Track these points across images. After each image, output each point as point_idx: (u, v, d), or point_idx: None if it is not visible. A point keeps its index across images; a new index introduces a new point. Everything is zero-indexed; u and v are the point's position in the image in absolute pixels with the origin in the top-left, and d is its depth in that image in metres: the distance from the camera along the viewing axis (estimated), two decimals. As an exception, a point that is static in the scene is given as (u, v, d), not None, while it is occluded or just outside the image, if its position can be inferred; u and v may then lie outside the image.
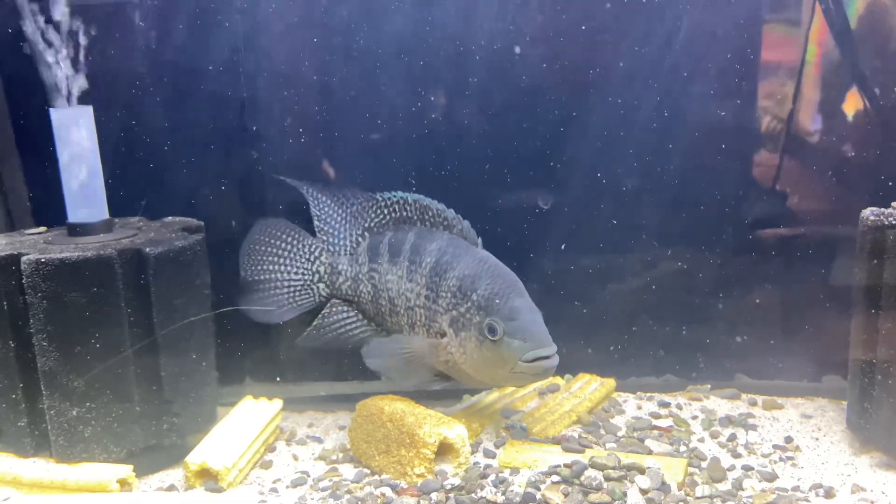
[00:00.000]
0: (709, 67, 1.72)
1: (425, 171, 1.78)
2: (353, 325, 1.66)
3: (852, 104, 1.75)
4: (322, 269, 1.65)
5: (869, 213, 1.48)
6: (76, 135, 1.52)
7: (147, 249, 1.47)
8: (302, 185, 1.66)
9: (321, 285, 1.65)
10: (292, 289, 1.66)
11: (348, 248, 1.64)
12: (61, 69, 1.50)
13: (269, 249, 1.66)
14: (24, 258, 1.41)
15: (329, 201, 1.65)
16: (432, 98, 1.76)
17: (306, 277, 1.65)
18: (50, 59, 1.49)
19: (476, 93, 1.76)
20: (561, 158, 1.78)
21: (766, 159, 1.79)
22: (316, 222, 1.66)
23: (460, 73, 1.75)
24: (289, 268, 1.65)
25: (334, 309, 1.67)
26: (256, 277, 1.67)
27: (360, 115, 1.77)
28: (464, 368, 1.49)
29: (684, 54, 1.71)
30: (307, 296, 1.66)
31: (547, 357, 1.41)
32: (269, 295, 1.66)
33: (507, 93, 1.75)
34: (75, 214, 1.54)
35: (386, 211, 1.62)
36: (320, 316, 1.67)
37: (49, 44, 1.48)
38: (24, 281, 1.41)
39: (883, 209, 1.48)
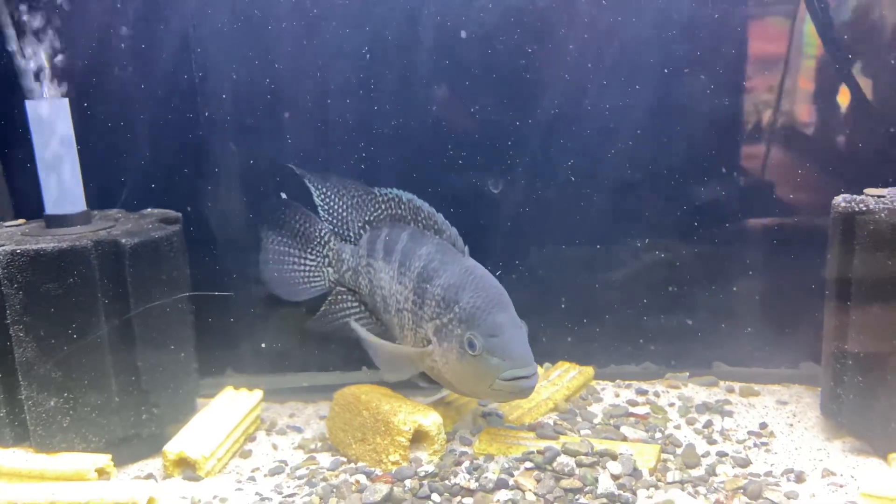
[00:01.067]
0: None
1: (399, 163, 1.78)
2: (356, 315, 1.67)
3: (845, 98, 1.76)
4: (331, 254, 1.66)
5: (840, 200, 1.48)
6: (52, 127, 1.52)
7: (123, 240, 1.48)
8: (305, 175, 1.66)
9: (330, 269, 1.67)
10: (307, 269, 1.68)
11: (351, 238, 1.65)
12: (36, 61, 1.50)
13: (286, 231, 1.68)
14: (-1, 249, 1.42)
15: (332, 191, 1.66)
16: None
17: (318, 260, 1.67)
18: (25, 51, 1.49)
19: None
20: (544, 147, 1.78)
21: (751, 151, 1.80)
22: (321, 211, 1.67)
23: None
24: (303, 249, 1.68)
25: (339, 297, 1.68)
26: (274, 257, 1.69)
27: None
28: (446, 378, 1.48)
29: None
30: (318, 278, 1.68)
31: (526, 377, 1.37)
32: (286, 274, 1.68)
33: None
34: (52, 206, 1.54)
35: (383, 206, 1.61)
36: (327, 302, 1.69)
37: (23, 35, 1.49)
38: (0, 272, 1.42)
39: (855, 196, 1.49)
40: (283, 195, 1.71)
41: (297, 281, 1.69)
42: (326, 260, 1.67)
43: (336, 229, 1.66)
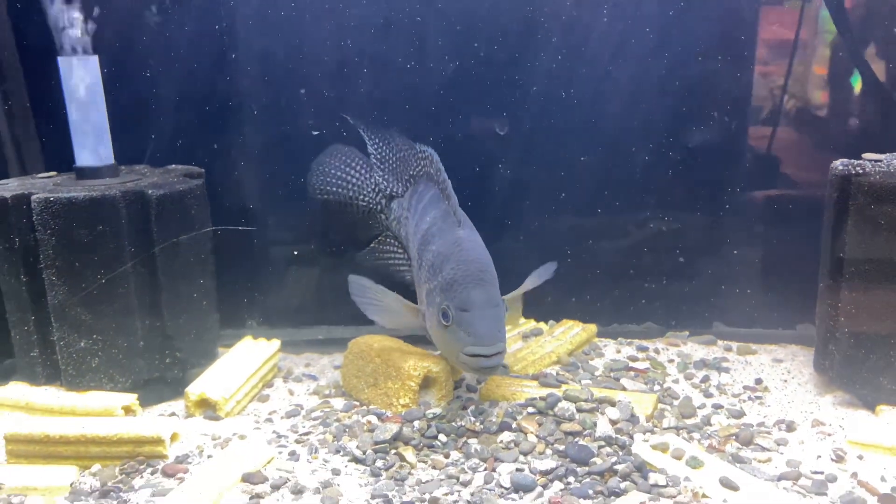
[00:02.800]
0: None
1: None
2: (397, 261, 1.72)
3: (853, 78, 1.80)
4: (383, 201, 1.71)
5: (839, 164, 1.53)
6: (83, 83, 1.58)
7: (150, 191, 1.55)
8: (360, 125, 1.71)
9: (382, 216, 1.73)
10: (360, 211, 1.74)
11: (399, 191, 1.69)
12: (69, 18, 1.56)
13: (340, 173, 1.73)
14: (34, 197, 1.49)
15: (384, 143, 1.70)
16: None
17: (371, 205, 1.72)
18: (58, 8, 1.55)
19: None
20: (556, 111, 1.83)
21: (755, 125, 1.84)
22: (374, 161, 1.72)
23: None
24: (357, 192, 1.73)
25: (387, 239, 1.74)
26: (324, 196, 1.76)
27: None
28: (432, 338, 1.52)
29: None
30: (373, 221, 1.74)
31: (486, 356, 1.36)
32: (337, 212, 1.75)
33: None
34: (82, 158, 1.61)
35: (422, 164, 1.65)
36: (377, 240, 1.75)
37: (57, -5, 1.55)
38: (34, 219, 1.49)
39: (852, 160, 1.53)
40: (315, 132, 1.77)
41: (353, 215, 1.75)
42: (379, 207, 1.72)
43: (388, 178, 1.71)
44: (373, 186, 1.72)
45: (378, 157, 1.71)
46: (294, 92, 1.83)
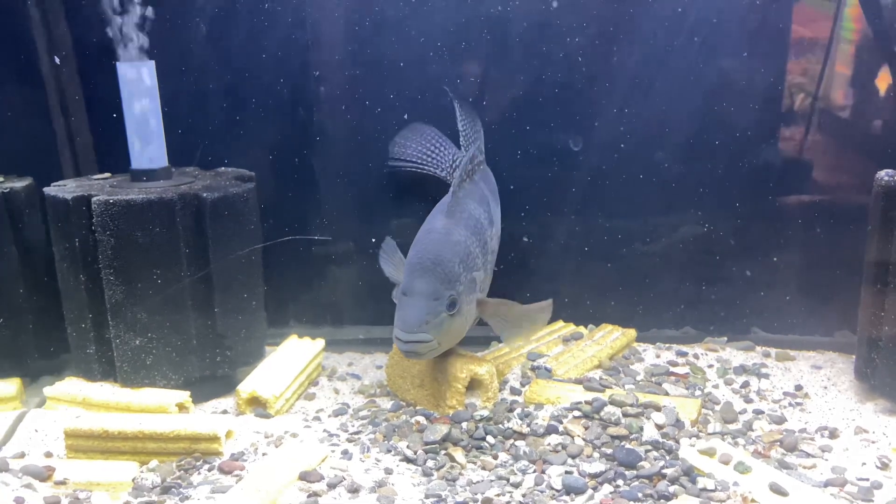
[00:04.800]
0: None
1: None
2: None
3: (884, 80, 1.79)
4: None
5: (884, 175, 1.54)
6: (140, 87, 1.61)
7: (205, 194, 1.58)
8: (455, 99, 1.76)
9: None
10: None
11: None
12: (128, 25, 1.59)
13: (419, 148, 1.78)
14: (94, 199, 1.52)
15: (469, 119, 1.76)
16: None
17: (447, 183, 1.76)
18: (117, 15, 1.58)
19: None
20: (587, 114, 1.84)
21: (794, 129, 1.84)
22: (461, 137, 1.77)
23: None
24: (434, 169, 1.77)
25: None
26: (406, 168, 1.80)
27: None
28: None
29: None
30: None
31: (404, 342, 1.40)
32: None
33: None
34: (139, 161, 1.65)
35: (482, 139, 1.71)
36: None
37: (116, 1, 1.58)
38: (93, 220, 1.53)
39: (897, 170, 1.54)
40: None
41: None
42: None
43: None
44: (449, 163, 1.77)
45: (464, 133, 1.76)
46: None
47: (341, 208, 1.92)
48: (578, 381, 1.62)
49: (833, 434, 1.46)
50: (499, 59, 1.83)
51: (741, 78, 1.80)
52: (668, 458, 1.36)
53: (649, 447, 1.39)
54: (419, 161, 1.79)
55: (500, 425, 1.47)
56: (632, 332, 1.86)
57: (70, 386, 1.60)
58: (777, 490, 1.26)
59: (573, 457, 1.38)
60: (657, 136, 1.85)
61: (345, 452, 1.42)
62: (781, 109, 1.83)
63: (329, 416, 1.59)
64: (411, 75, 1.83)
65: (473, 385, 1.56)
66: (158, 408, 1.53)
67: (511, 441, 1.44)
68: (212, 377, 1.65)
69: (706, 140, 1.83)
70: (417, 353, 1.42)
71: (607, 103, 1.83)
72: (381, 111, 1.85)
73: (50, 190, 1.61)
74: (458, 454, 1.39)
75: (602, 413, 1.47)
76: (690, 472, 1.31)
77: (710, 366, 1.76)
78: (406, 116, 1.83)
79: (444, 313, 1.41)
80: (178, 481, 1.34)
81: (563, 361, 1.71)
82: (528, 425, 1.46)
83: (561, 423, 1.46)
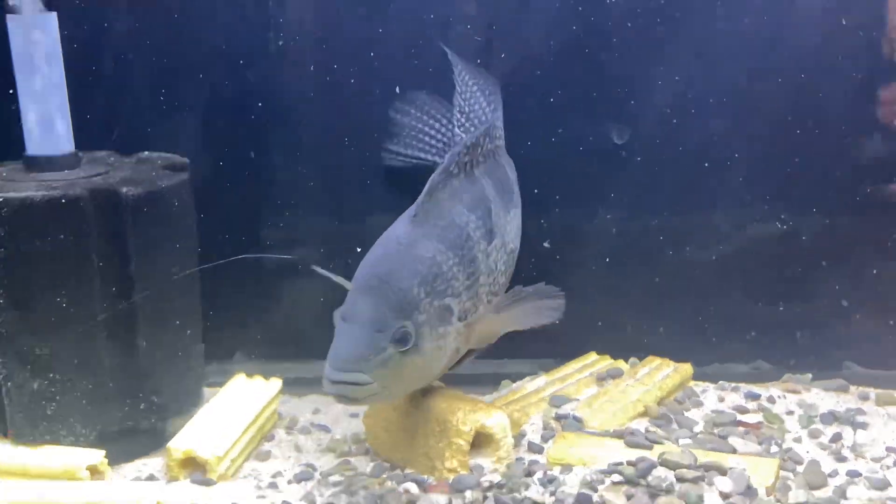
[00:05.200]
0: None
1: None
2: None
3: None
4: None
5: None
6: (37, 47, 1.61)
7: (124, 189, 1.58)
8: (454, 57, 1.81)
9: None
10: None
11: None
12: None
13: (415, 121, 1.84)
14: (-26, 198, 1.52)
15: (474, 84, 1.81)
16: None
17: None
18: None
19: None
20: (636, 109, 1.89)
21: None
22: (457, 114, 1.81)
23: None
24: (433, 142, 1.83)
25: None
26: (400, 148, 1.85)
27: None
28: None
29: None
30: None
31: (331, 381, 1.36)
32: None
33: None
34: (35, 146, 1.64)
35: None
36: None
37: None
38: (-26, 226, 1.53)
39: None
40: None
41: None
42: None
43: (468, 124, 1.82)
44: (449, 136, 1.84)
45: (464, 96, 1.83)
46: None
47: (305, 205, 1.93)
48: (618, 435, 1.63)
49: (952, 505, 1.47)
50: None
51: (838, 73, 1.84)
52: (736, 538, 1.37)
53: (712, 523, 1.40)
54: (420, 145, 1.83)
55: (516, 494, 1.47)
56: (687, 368, 1.87)
57: (-54, 443, 1.60)
58: (880, 581, 1.27)
59: (612, 537, 1.39)
60: (717, 123, 1.88)
61: (311, 532, 1.43)
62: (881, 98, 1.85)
63: (289, 481, 1.60)
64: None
65: (480, 441, 1.56)
66: (64, 472, 1.53)
67: (530, 515, 1.44)
68: (134, 430, 1.66)
69: (783, 130, 1.85)
70: (347, 397, 1.37)
71: (664, 90, 1.87)
72: (357, 76, 1.86)
73: (-84, 185, 1.60)
74: (461, 534, 1.41)
75: (650, 477, 1.47)
76: (766, 557, 1.32)
77: (791, 412, 1.78)
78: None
79: (391, 349, 1.37)
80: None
81: (597, 408, 1.72)
82: (553, 494, 1.47)
83: (595, 490, 1.47)
